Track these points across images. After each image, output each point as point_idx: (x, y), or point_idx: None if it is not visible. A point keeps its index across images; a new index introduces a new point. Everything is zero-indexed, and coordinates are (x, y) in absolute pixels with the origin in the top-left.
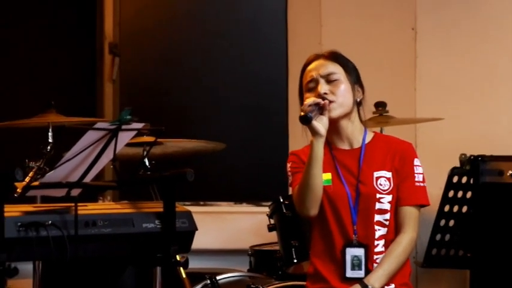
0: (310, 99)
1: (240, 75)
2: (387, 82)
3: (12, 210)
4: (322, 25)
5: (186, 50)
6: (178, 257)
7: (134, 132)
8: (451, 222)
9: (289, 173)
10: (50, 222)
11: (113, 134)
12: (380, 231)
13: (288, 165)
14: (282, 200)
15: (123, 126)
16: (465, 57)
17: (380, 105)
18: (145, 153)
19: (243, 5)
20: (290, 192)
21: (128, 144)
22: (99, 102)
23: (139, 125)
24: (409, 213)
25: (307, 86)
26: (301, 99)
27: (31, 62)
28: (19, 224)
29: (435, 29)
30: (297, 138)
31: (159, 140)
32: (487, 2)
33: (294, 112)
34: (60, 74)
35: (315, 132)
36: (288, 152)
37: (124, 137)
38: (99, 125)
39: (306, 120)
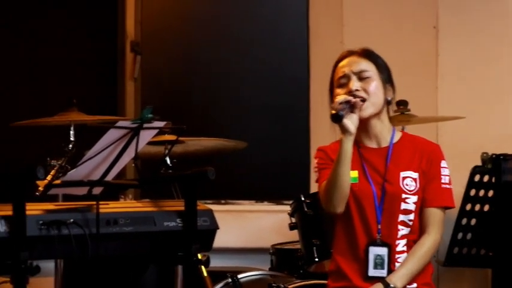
0: (341, 97)
1: (262, 74)
2: (409, 81)
3: (34, 209)
4: (343, 24)
5: (208, 48)
6: (199, 256)
7: (156, 131)
8: (473, 221)
9: (316, 169)
10: (71, 220)
11: (134, 133)
12: (403, 231)
13: (315, 161)
14: (303, 199)
15: (145, 125)
16: (487, 55)
17: (402, 104)
18: (166, 151)
19: (265, 5)
20: (316, 189)
21: (150, 143)
22: (121, 100)
23: (161, 124)
24: (434, 214)
25: (339, 82)
26: (331, 95)
27: (53, 60)
28: (41, 222)
29: (457, 27)
30: (318, 137)
31: (180, 138)
32: (509, 0)
33: (316, 111)
34: (82, 72)
35: (345, 130)
36: (309, 150)
37: (146, 136)
38: (120, 123)
39: (337, 118)
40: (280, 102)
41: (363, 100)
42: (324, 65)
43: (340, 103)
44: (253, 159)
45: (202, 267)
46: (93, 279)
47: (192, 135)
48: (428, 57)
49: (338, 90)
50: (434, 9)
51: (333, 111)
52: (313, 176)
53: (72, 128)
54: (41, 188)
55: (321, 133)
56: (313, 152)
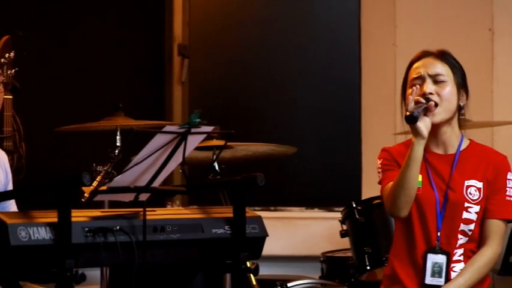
0: (411, 97)
1: (312, 78)
2: None
3: (79, 216)
4: (396, 26)
5: (257, 52)
6: (248, 264)
7: (204, 136)
8: None
9: (379, 170)
10: (117, 227)
11: (182, 138)
12: (461, 240)
13: (379, 161)
14: (354, 205)
15: (193, 130)
16: None
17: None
18: (215, 157)
19: (315, 6)
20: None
21: (197, 148)
22: (168, 104)
23: (209, 128)
24: (496, 226)
25: (412, 83)
26: (404, 95)
27: (99, 64)
28: (86, 229)
29: None
30: (370, 141)
31: (229, 143)
32: None
33: (367, 114)
34: (129, 76)
35: (417, 134)
36: (360, 155)
37: (193, 141)
38: (168, 128)
39: (412, 119)
40: (331, 106)
41: (436, 105)
42: (375, 67)
43: (412, 104)
44: (304, 165)
45: (251, 275)
46: (139, 287)
47: (240, 140)
48: (483, 60)
49: (410, 91)
50: (489, 11)
51: (408, 112)
52: (366, 181)
53: (118, 133)
54: (86, 195)
55: (373, 137)
56: (365, 156)
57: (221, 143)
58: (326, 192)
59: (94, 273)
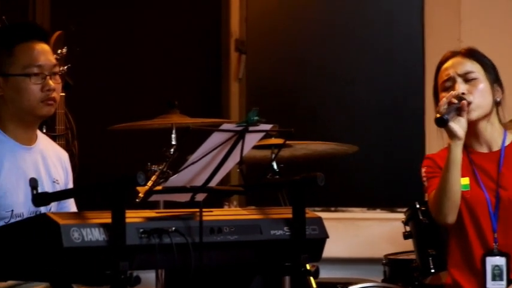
0: (446, 99)
1: (374, 74)
2: None
3: (134, 216)
4: (461, 20)
5: (317, 47)
6: (308, 266)
7: (262, 134)
8: None
9: (424, 178)
10: (173, 228)
11: (239, 136)
12: None
13: (423, 169)
14: (418, 206)
15: (250, 128)
16: None
17: None
18: (273, 156)
19: (378, 0)
20: (426, 199)
21: (255, 147)
22: (225, 102)
23: (267, 127)
24: None
25: (443, 85)
26: (436, 99)
27: (154, 60)
28: (141, 230)
29: None
30: (434, 139)
31: (288, 142)
32: None
33: (431, 111)
34: (184, 73)
35: (452, 135)
36: (424, 153)
37: (251, 139)
38: (225, 126)
39: (441, 122)
40: (393, 103)
41: (469, 103)
42: None
43: (445, 106)
44: (365, 164)
45: (311, 278)
46: None
47: (300, 138)
48: None
49: (443, 94)
50: None
51: (437, 115)
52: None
53: (173, 131)
54: (141, 195)
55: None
56: None
57: (280, 141)
58: (389, 192)
59: (149, 276)
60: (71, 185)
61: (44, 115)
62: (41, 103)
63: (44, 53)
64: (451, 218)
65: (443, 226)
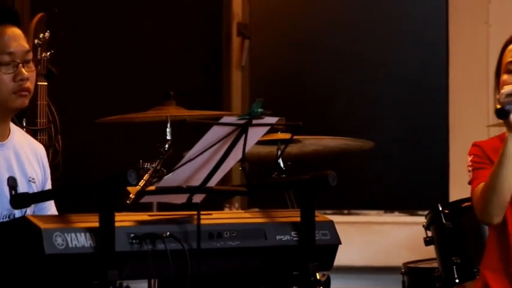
0: (508, 88)
1: (393, 62)
2: None
3: (124, 220)
4: (490, 1)
5: (327, 31)
6: (318, 276)
7: (267, 128)
8: None
9: (470, 168)
10: (168, 233)
11: (242, 130)
12: None
13: (469, 158)
14: (441, 209)
15: (254, 121)
16: None
17: None
18: (279, 152)
19: None
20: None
21: (260, 142)
22: (226, 92)
23: (273, 120)
24: None
25: (507, 68)
26: (498, 81)
27: (147, 46)
28: (132, 235)
29: None
30: (459, 135)
31: (295, 137)
32: None
33: (455, 104)
34: (181, 60)
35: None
36: (448, 151)
37: (255, 134)
38: (225, 119)
39: (502, 114)
40: (413, 93)
41: None
42: (465, 48)
43: (507, 95)
44: (382, 162)
45: None
46: None
47: (309, 133)
48: None
49: (505, 77)
50: None
51: (498, 106)
52: (454, 181)
53: (168, 125)
54: (132, 196)
55: (462, 130)
56: (453, 152)
57: (287, 136)
58: (408, 193)
59: (141, 286)
60: (49, 184)
61: (17, 107)
62: (14, 94)
63: (16, 38)
64: (498, 218)
65: (486, 225)
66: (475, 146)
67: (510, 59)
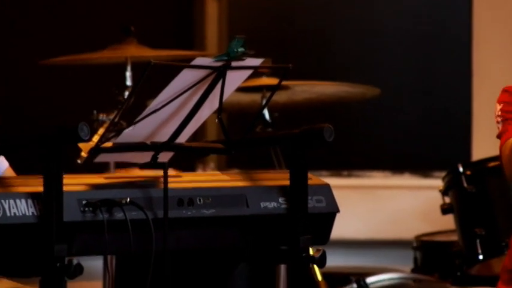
0: None
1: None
2: None
3: (74, 183)
4: None
5: None
6: (311, 251)
7: (249, 72)
8: None
9: (499, 119)
10: (127, 199)
11: (218, 74)
12: None
13: (498, 107)
14: (462, 170)
15: (234, 63)
16: None
17: None
18: (264, 101)
19: None
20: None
21: (240, 89)
22: (199, 28)
23: (257, 62)
24: None
25: None
26: None
27: None
28: (84, 202)
29: None
30: (483, 78)
31: (284, 82)
32: None
33: (480, 41)
34: None
35: None
36: (470, 101)
37: (234, 79)
38: (198, 60)
39: None
40: (429, 30)
41: None
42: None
43: None
44: (389, 113)
45: (315, 266)
46: (158, 283)
47: (301, 77)
48: None
49: None
50: None
51: None
52: (477, 136)
53: (128, 68)
54: (84, 154)
55: (488, 71)
56: (476, 100)
57: (274, 81)
58: (421, 150)
59: (95, 264)
60: None
61: None
62: None
63: None
64: None
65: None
66: (506, 92)
67: None
